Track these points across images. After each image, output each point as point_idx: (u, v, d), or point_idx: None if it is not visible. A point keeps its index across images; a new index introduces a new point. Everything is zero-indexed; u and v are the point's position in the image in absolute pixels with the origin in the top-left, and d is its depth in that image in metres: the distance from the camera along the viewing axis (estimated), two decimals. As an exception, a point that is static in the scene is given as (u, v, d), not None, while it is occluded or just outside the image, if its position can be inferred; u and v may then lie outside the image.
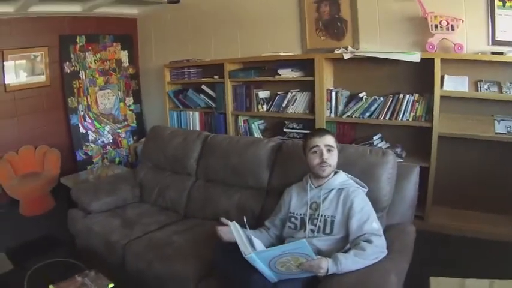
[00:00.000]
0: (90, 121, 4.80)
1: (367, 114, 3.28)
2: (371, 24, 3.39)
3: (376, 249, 1.70)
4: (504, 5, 2.87)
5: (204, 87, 4.26)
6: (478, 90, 2.95)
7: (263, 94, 3.92)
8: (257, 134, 3.95)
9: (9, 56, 4.16)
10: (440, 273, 1.80)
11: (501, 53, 2.79)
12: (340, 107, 3.42)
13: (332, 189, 1.92)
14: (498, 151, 2.97)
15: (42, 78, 4.46)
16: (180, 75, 4.41)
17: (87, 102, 4.77)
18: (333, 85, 3.58)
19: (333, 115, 3.44)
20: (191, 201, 2.80)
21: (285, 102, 3.70)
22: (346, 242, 1.79)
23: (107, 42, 4.91)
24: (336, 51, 3.36)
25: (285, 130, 3.72)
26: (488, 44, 2.95)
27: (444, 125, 2.97)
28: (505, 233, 2.76)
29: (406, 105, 3.12)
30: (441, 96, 2.93)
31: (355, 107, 3.33)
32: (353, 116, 3.34)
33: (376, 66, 3.26)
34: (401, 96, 3.14)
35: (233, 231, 1.79)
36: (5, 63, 4.14)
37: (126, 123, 5.15)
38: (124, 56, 5.09)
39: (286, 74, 3.63)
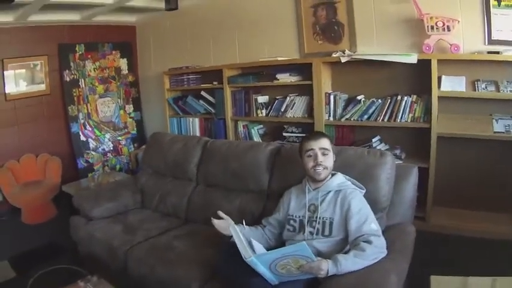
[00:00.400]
0: (90, 129, 4.82)
1: (366, 116, 3.29)
2: (368, 27, 3.42)
3: (376, 250, 1.71)
4: (499, 5, 2.89)
5: (203, 93, 4.28)
6: (475, 90, 2.96)
7: (262, 99, 3.93)
8: (257, 139, 3.96)
9: (9, 65, 4.19)
10: (441, 273, 1.79)
11: (497, 52, 2.80)
12: (339, 110, 3.43)
13: (330, 191, 1.93)
14: (497, 150, 2.97)
15: (42, 86, 4.49)
16: (179, 82, 4.43)
17: (88, 110, 4.79)
18: (331, 88, 3.60)
19: (331, 118, 3.46)
20: (192, 206, 2.81)
21: (284, 106, 3.72)
22: (346, 244, 1.80)
23: (106, 50, 4.94)
24: (334, 55, 3.38)
25: (284, 134, 3.73)
26: (485, 44, 2.97)
27: (443, 125, 2.98)
28: (505, 232, 2.75)
29: (405, 106, 3.13)
30: (439, 97, 2.95)
31: (353, 110, 3.34)
32: (352, 119, 3.35)
33: (373, 68, 3.27)
34: (399, 97, 3.16)
35: (233, 235, 1.81)
36: (5, 72, 4.17)
37: (126, 130, 5.17)
38: (123, 63, 5.12)
39: (284, 78, 3.65)
